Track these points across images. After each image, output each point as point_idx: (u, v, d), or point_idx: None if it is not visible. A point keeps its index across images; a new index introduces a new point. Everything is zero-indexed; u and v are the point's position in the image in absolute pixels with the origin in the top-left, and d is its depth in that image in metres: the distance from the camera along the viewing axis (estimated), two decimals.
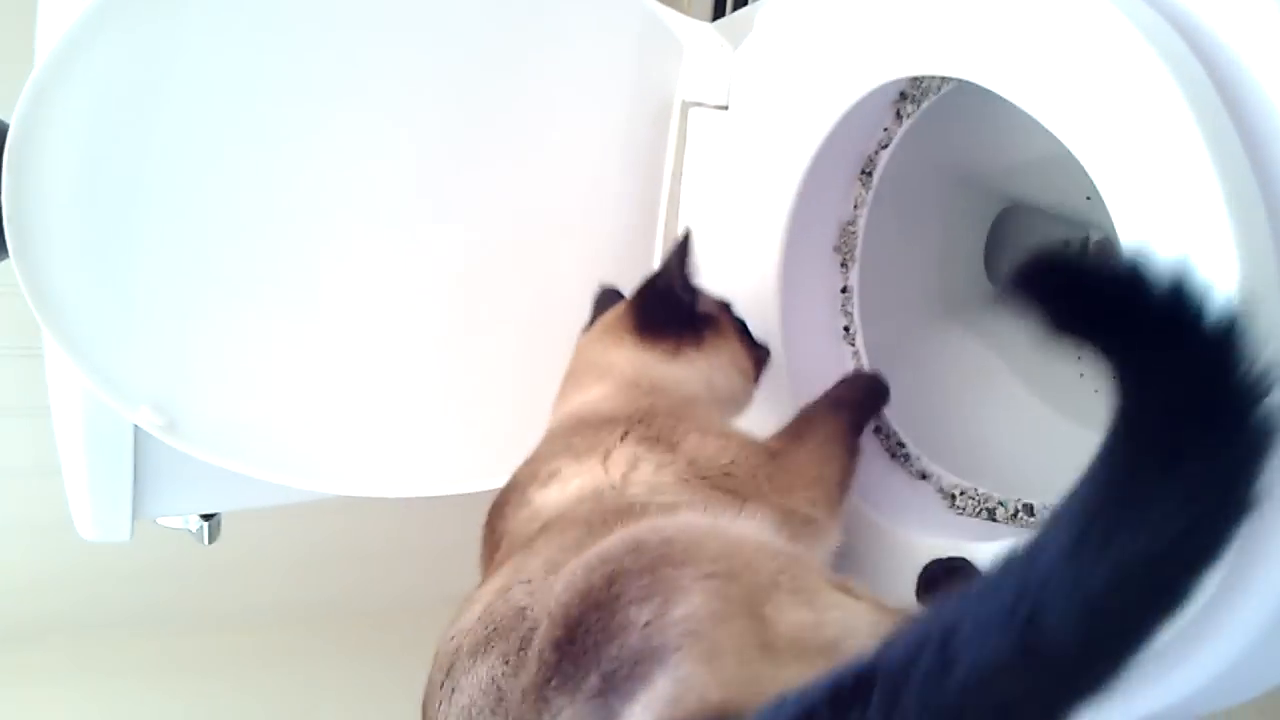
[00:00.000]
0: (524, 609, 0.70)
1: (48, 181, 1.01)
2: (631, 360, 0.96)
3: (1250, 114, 0.73)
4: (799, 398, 1.06)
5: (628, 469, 0.85)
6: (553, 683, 0.63)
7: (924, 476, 1.06)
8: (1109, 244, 1.14)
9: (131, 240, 1.05)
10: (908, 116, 1.06)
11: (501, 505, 0.89)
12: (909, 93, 1.04)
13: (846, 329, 1.15)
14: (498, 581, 0.76)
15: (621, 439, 0.87)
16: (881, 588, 0.93)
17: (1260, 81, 0.73)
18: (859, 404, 0.99)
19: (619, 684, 0.61)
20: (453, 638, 0.74)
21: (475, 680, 0.69)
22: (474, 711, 0.68)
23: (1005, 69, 0.83)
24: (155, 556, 1.50)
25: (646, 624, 0.62)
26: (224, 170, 1.06)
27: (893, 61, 0.93)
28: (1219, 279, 0.69)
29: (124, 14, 0.99)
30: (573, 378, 1.00)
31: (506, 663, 0.68)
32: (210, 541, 1.30)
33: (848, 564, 0.97)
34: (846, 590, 0.71)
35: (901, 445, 1.08)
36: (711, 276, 1.07)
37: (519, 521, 0.85)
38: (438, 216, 1.14)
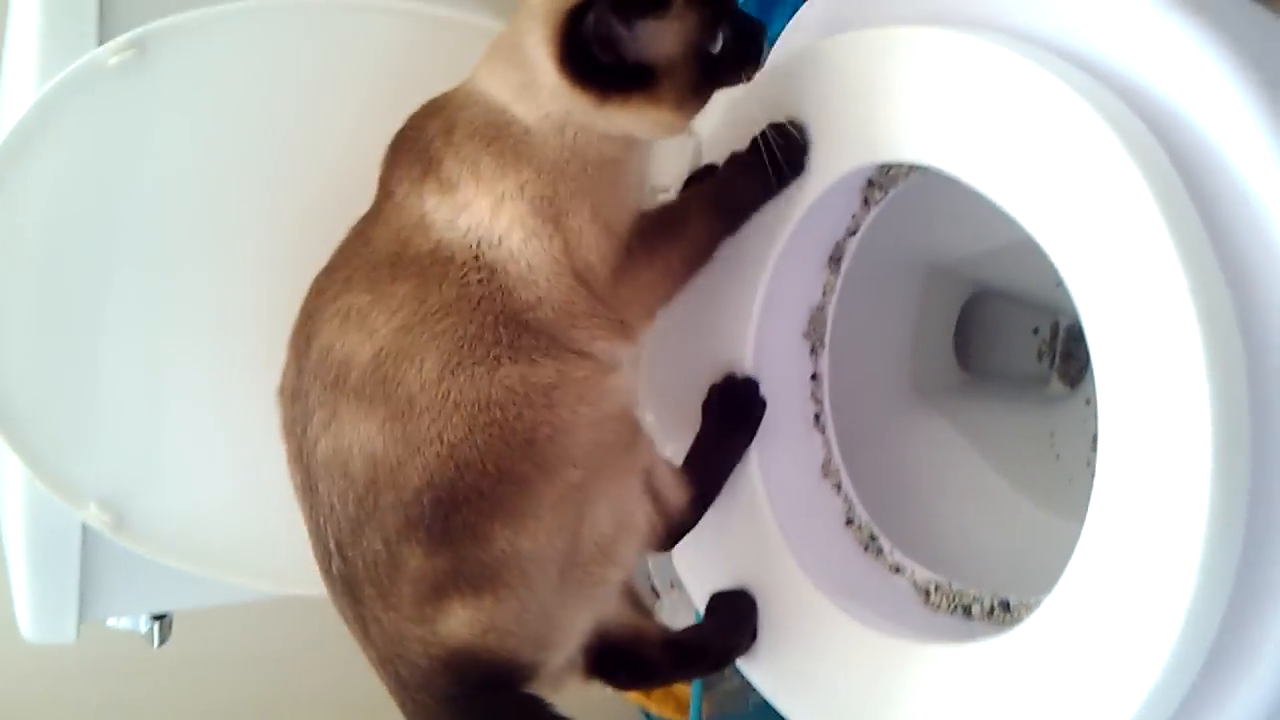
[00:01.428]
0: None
1: None
2: (558, 98, 0.90)
3: (1216, 201, 0.73)
4: (768, 491, 1.04)
5: (505, 230, 0.90)
6: (415, 531, 0.83)
7: (897, 570, 1.04)
8: (1078, 329, 1.15)
9: (81, 339, 1.04)
10: (876, 203, 1.05)
11: (409, 148, 0.94)
12: (876, 180, 1.04)
13: (817, 416, 1.13)
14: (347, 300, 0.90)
15: (520, 189, 0.90)
16: (857, 689, 0.91)
17: (1229, 169, 0.73)
18: (737, 210, 0.99)
19: (460, 581, 0.84)
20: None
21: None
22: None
23: (969, 157, 0.83)
24: (102, 657, 1.46)
25: (502, 549, 0.84)
26: (171, 268, 1.06)
27: (860, 149, 0.93)
28: (1185, 362, 0.69)
29: (75, 105, 1.00)
30: (505, 55, 0.95)
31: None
32: (161, 643, 1.26)
33: (820, 661, 0.95)
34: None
35: (874, 539, 1.06)
36: (680, 360, 1.07)
37: (410, 212, 0.92)
38: None
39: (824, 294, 1.11)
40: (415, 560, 0.83)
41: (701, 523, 1.08)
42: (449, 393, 0.85)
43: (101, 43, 1.02)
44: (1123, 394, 0.73)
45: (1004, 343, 1.32)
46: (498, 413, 0.86)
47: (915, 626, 0.95)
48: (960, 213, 0.86)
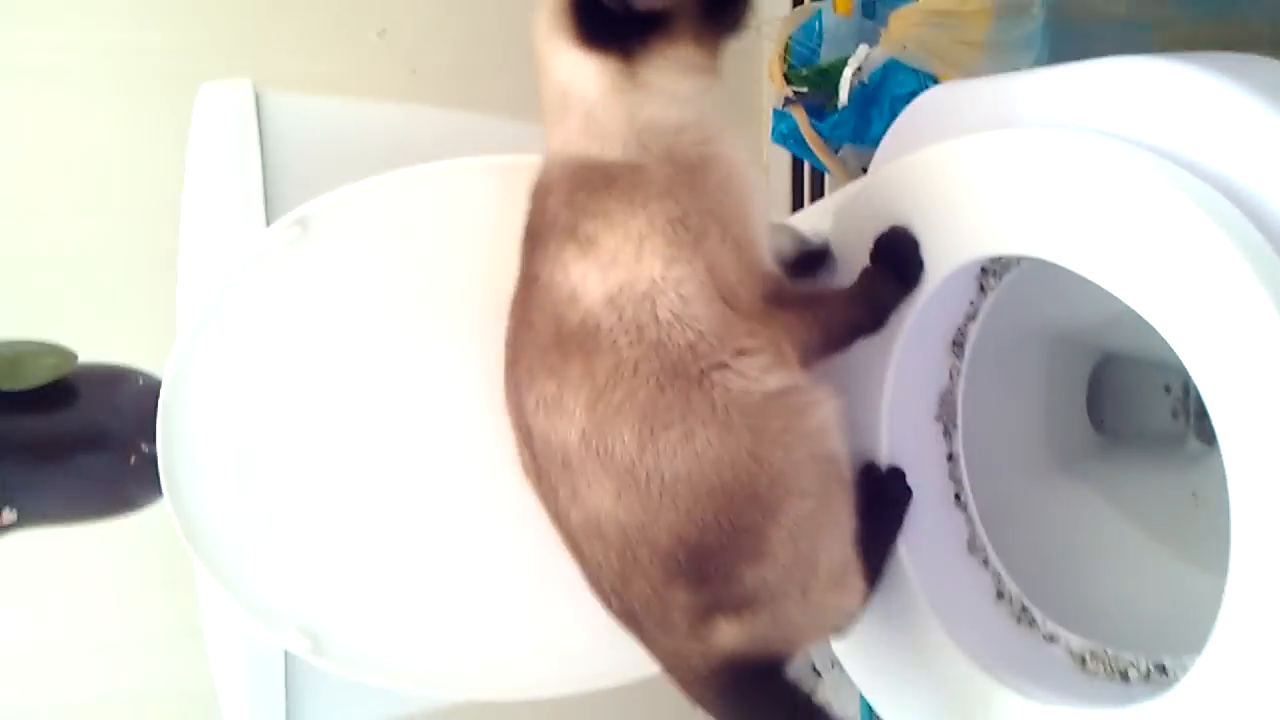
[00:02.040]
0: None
1: (195, 430, 1.11)
2: (600, 86, 0.96)
3: None
4: (917, 573, 1.08)
5: (663, 269, 0.93)
6: (676, 579, 0.93)
7: (1052, 640, 1.06)
8: None
9: (271, 478, 1.14)
10: (992, 289, 1.09)
11: (540, 239, 0.98)
12: (990, 268, 1.08)
13: (957, 495, 1.16)
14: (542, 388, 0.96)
15: (651, 223, 0.94)
16: None
17: None
18: (875, 304, 1.03)
19: (723, 606, 0.94)
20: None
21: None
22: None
23: (1067, 247, 0.88)
24: None
25: (751, 582, 0.93)
26: (352, 416, 1.15)
27: (965, 245, 0.98)
28: None
29: (252, 283, 1.11)
30: (555, 107, 1.00)
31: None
32: None
33: None
34: None
35: (1026, 610, 1.09)
36: None
37: (557, 287, 0.96)
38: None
39: (950, 378, 1.15)
40: (681, 598, 0.94)
41: None
42: (658, 464, 0.92)
43: (269, 223, 1.14)
44: (1243, 453, 0.76)
45: (1137, 404, 1.33)
46: (715, 479, 0.92)
47: (1073, 694, 0.97)
48: (1075, 288, 0.89)
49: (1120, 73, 0.88)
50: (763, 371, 0.96)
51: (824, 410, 0.98)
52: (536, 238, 1.00)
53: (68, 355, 1.17)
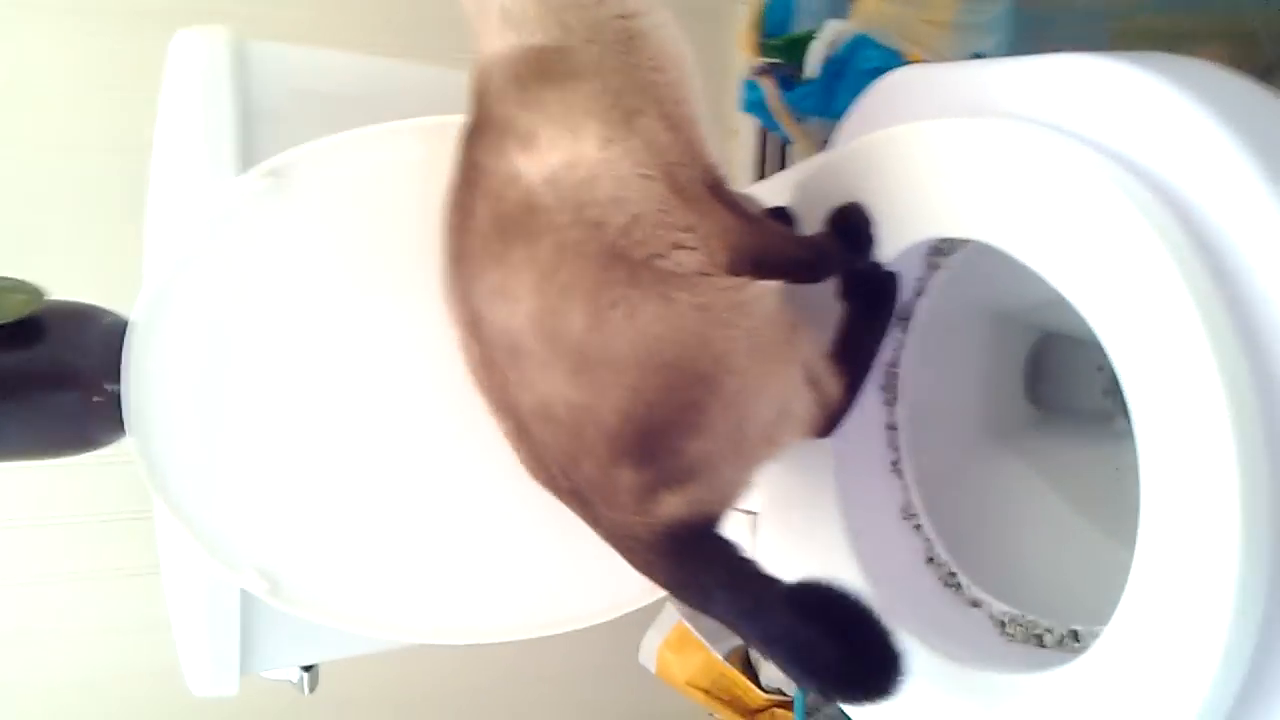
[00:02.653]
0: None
1: (161, 372, 1.14)
2: None
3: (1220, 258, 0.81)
4: (852, 536, 1.13)
5: (599, 149, 0.95)
6: (622, 458, 0.94)
7: (976, 605, 1.12)
8: None
9: (234, 421, 1.17)
10: (940, 268, 1.14)
11: (481, 133, 1.00)
12: (940, 247, 1.13)
13: (894, 463, 1.21)
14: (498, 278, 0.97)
15: (586, 107, 0.96)
16: (938, 717, 0.99)
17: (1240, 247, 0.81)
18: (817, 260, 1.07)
19: (667, 480, 0.96)
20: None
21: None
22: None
23: (1011, 233, 0.93)
24: (259, 706, 1.59)
25: (693, 455, 0.95)
26: (320, 366, 1.18)
27: (918, 226, 1.03)
28: (1206, 403, 0.77)
29: (223, 230, 1.13)
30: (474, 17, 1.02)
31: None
32: (311, 691, 1.39)
33: (905, 691, 1.03)
34: None
35: (954, 575, 1.14)
36: None
37: (498, 172, 0.97)
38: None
39: (895, 350, 1.20)
40: (627, 477, 0.95)
41: (795, 566, 1.17)
42: (607, 344, 0.94)
43: (242, 171, 1.16)
44: (1154, 437, 0.82)
45: (1071, 381, 1.38)
46: (661, 358, 0.94)
47: (992, 657, 1.03)
48: (1018, 270, 0.93)
49: (1070, 69, 0.91)
50: (696, 269, 0.98)
51: (771, 299, 0.99)
52: (475, 132, 1.01)
53: (37, 292, 1.18)
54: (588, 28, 0.97)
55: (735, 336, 0.96)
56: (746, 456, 1.00)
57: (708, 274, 0.98)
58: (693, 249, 0.98)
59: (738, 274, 0.99)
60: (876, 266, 1.09)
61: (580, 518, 1.02)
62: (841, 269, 1.09)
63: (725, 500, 1.01)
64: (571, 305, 0.93)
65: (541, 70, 0.97)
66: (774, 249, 1.04)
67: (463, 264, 1.00)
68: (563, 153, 0.95)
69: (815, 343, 1.06)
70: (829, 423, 1.09)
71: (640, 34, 0.99)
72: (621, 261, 0.95)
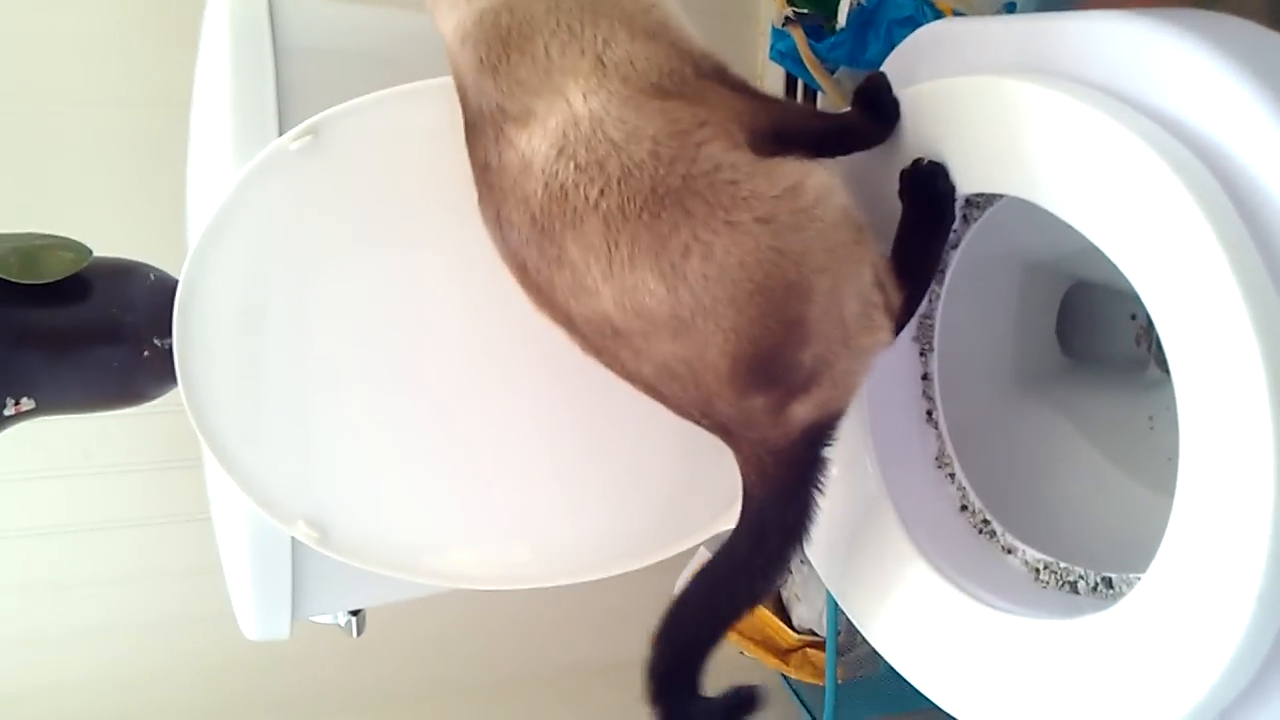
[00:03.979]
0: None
1: (211, 326, 1.16)
2: None
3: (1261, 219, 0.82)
4: (887, 484, 1.15)
5: (585, 100, 0.95)
6: (748, 390, 0.95)
7: (1009, 552, 1.14)
8: None
9: (283, 375, 1.19)
10: (974, 220, 1.15)
11: (478, 131, 1.01)
12: (974, 200, 1.13)
13: (929, 413, 1.23)
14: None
15: (556, 63, 0.96)
16: (973, 660, 1.02)
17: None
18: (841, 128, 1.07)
19: (795, 392, 0.96)
20: None
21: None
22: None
23: (1046, 189, 0.94)
24: (310, 649, 1.64)
25: (809, 363, 0.96)
26: (360, 322, 1.20)
27: (957, 180, 1.03)
28: (1243, 361, 0.78)
29: (265, 188, 1.15)
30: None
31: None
32: (359, 634, 1.43)
33: (940, 636, 1.06)
34: None
35: (987, 522, 1.17)
36: None
37: (509, 166, 0.97)
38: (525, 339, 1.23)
39: (929, 302, 1.21)
40: (759, 402, 0.97)
41: (829, 512, 1.19)
42: (694, 295, 0.92)
43: (282, 130, 1.18)
44: (1194, 389, 0.83)
45: (1103, 330, 1.40)
46: (750, 284, 0.92)
47: (1026, 603, 1.04)
48: (1052, 222, 0.94)
49: (1106, 28, 0.92)
50: (718, 149, 0.95)
51: (817, 174, 0.97)
52: (472, 133, 1.02)
53: (83, 250, 1.20)
54: None
55: (809, 238, 0.94)
56: (854, 347, 0.99)
57: (740, 172, 0.95)
58: (712, 140, 0.95)
59: (762, 152, 0.97)
60: (935, 166, 1.05)
61: (729, 447, 1.04)
62: (874, 138, 1.08)
63: (848, 393, 1.02)
64: (644, 275, 0.93)
65: (501, 42, 0.97)
66: (792, 121, 1.04)
67: (530, 275, 1.00)
68: (559, 115, 0.95)
69: (879, 248, 1.03)
70: (895, 329, 1.05)
71: None
72: (668, 199, 0.93)
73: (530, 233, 0.97)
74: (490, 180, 1.00)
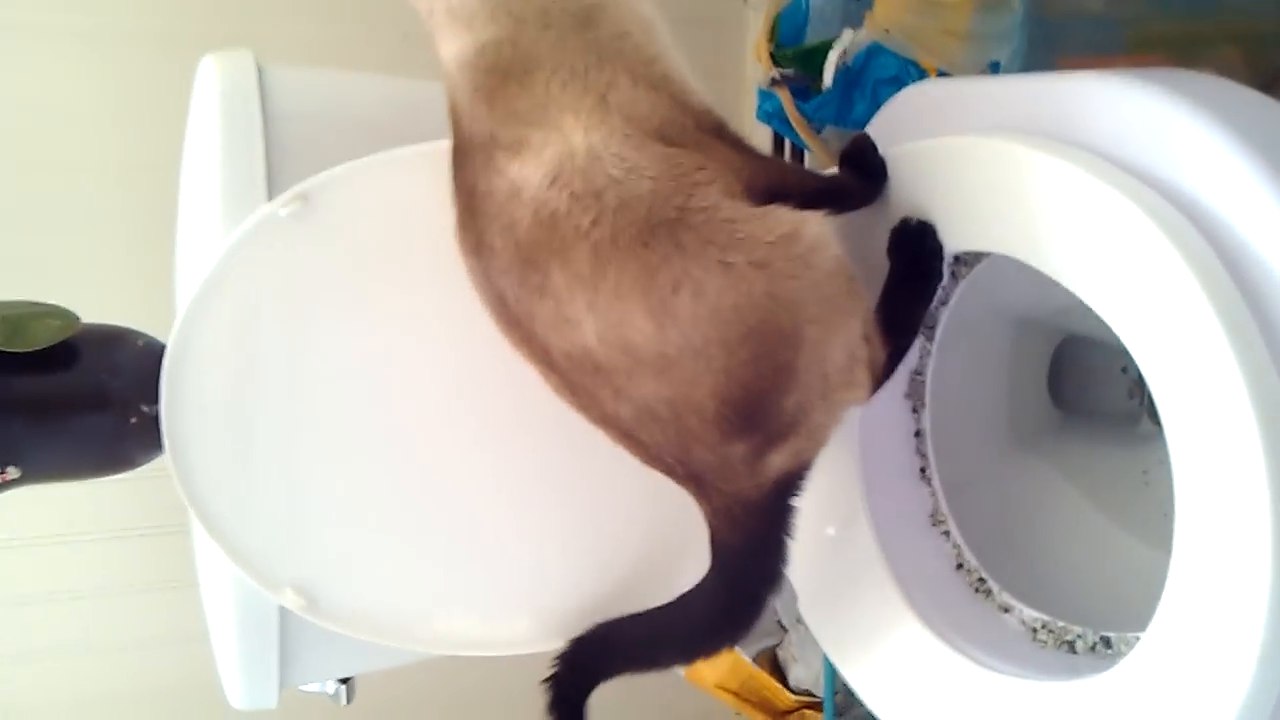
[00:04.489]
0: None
1: (199, 391, 1.15)
2: None
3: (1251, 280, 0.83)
4: (881, 542, 1.14)
5: (585, 135, 0.93)
6: (730, 435, 0.94)
7: (1006, 610, 1.13)
8: None
9: (271, 441, 1.17)
10: (963, 278, 1.15)
11: (467, 156, 0.99)
12: (962, 257, 1.14)
13: (922, 470, 1.23)
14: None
15: (556, 98, 0.95)
16: None
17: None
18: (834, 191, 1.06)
19: (773, 440, 0.96)
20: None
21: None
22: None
23: (1039, 251, 0.94)
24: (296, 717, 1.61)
25: (790, 410, 0.95)
26: (350, 386, 1.19)
27: (944, 238, 1.04)
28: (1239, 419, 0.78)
29: (254, 254, 1.14)
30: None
31: None
32: (348, 702, 1.40)
33: (936, 698, 1.05)
34: None
35: (983, 580, 1.16)
36: None
37: (497, 192, 0.96)
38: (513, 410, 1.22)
39: (921, 358, 1.21)
40: (739, 450, 0.95)
41: (824, 572, 1.19)
42: (683, 333, 0.91)
43: (271, 196, 1.17)
44: (1187, 445, 0.82)
45: (1096, 384, 1.40)
46: (739, 328, 0.91)
47: (1023, 664, 1.03)
48: (1042, 278, 0.95)
49: (1083, 87, 0.94)
50: (716, 192, 0.94)
51: (814, 222, 0.96)
52: (460, 157, 1.00)
53: (71, 318, 1.19)
54: (537, 12, 0.96)
55: (803, 286, 0.94)
56: (832, 399, 0.98)
57: (738, 214, 0.94)
58: (710, 184, 0.95)
59: (755, 203, 0.97)
60: (924, 226, 1.05)
61: (696, 499, 1.02)
62: (865, 197, 1.08)
63: (819, 444, 1.01)
64: (632, 309, 0.91)
65: (501, 73, 0.96)
66: (789, 180, 1.04)
67: (508, 307, 0.99)
68: (555, 147, 0.93)
69: (870, 303, 1.04)
70: (874, 385, 1.05)
71: (596, 5, 0.98)
72: (660, 230, 0.91)
73: (512, 261, 0.96)
74: (474, 206, 0.98)
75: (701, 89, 1.01)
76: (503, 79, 0.97)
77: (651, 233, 0.91)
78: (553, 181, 0.93)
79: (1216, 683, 0.79)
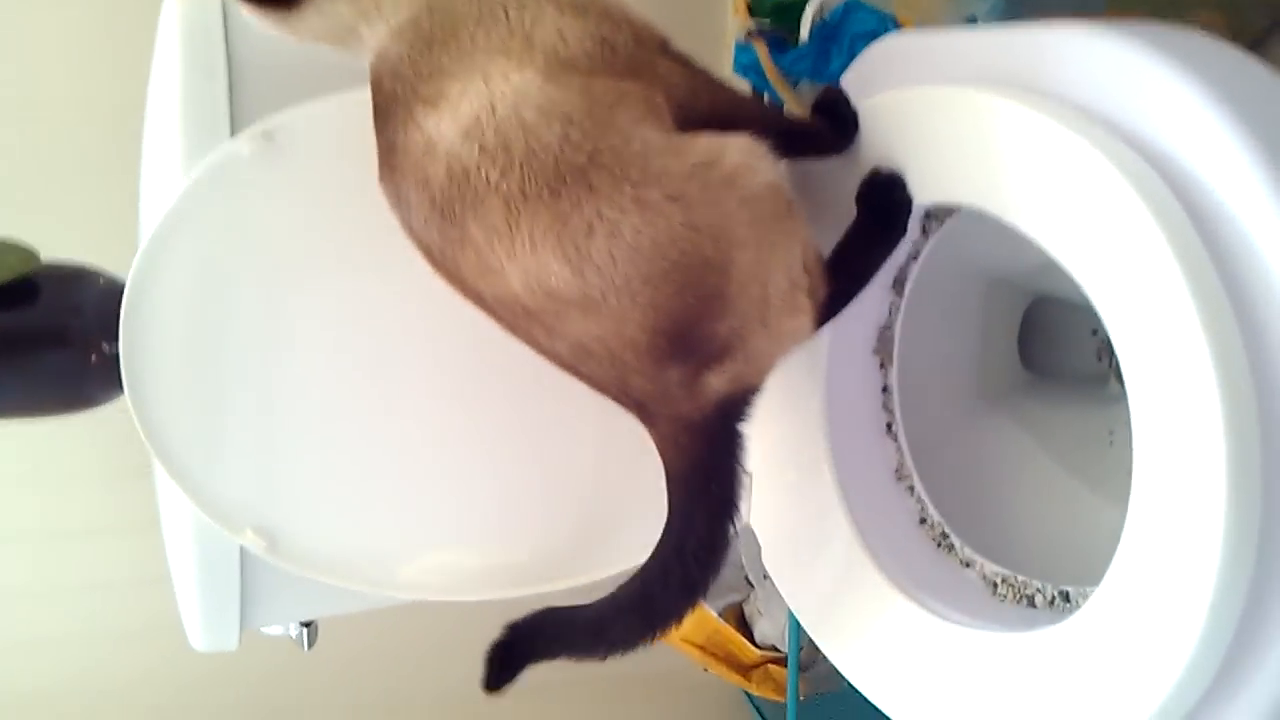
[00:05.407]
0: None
1: (157, 332, 1.14)
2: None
3: (1218, 237, 0.82)
4: (846, 497, 1.14)
5: (503, 82, 0.92)
6: (666, 363, 0.94)
7: (968, 565, 1.13)
8: None
9: (229, 381, 1.17)
10: (934, 232, 1.14)
11: (388, 110, 0.98)
12: (933, 213, 1.13)
13: (889, 425, 1.22)
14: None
15: (481, 46, 0.94)
16: (930, 675, 1.01)
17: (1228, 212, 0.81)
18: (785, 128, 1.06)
19: (709, 363, 0.95)
20: None
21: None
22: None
23: (1004, 200, 0.93)
24: (259, 661, 1.62)
25: (725, 333, 0.93)
26: (313, 325, 1.19)
27: (916, 190, 1.03)
28: (1197, 374, 0.78)
29: (216, 192, 1.13)
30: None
31: None
32: (310, 647, 1.40)
33: (898, 650, 1.05)
34: None
35: (946, 535, 1.16)
36: None
37: (413, 146, 0.95)
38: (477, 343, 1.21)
39: (890, 314, 1.20)
40: (674, 375, 0.94)
41: (789, 527, 1.19)
42: (604, 275, 0.90)
43: (234, 134, 1.16)
44: (1147, 404, 0.83)
45: (1064, 344, 1.40)
46: (664, 263, 0.90)
47: (984, 616, 1.03)
48: (1013, 236, 0.94)
49: (1063, 39, 0.92)
50: (634, 123, 0.93)
51: (737, 147, 0.94)
52: (380, 115, 0.99)
53: (30, 254, 1.18)
54: None
55: (729, 211, 0.92)
56: (773, 326, 0.97)
57: (652, 146, 0.92)
58: (631, 105, 0.94)
59: (685, 127, 0.95)
60: (894, 176, 1.03)
61: (644, 426, 1.01)
62: (832, 146, 1.07)
63: (762, 370, 1.00)
64: (547, 258, 0.90)
65: (424, 42, 0.96)
66: (729, 105, 1.02)
67: (434, 257, 0.99)
68: (471, 99, 0.92)
69: (810, 233, 1.00)
70: (818, 317, 1.02)
71: None
72: (569, 176, 0.90)
73: (430, 214, 0.95)
74: (393, 162, 0.97)
75: (640, 7, 1.00)
76: (427, 45, 0.96)
77: (561, 179, 0.89)
78: (465, 135, 0.91)
79: (1169, 631, 0.79)
